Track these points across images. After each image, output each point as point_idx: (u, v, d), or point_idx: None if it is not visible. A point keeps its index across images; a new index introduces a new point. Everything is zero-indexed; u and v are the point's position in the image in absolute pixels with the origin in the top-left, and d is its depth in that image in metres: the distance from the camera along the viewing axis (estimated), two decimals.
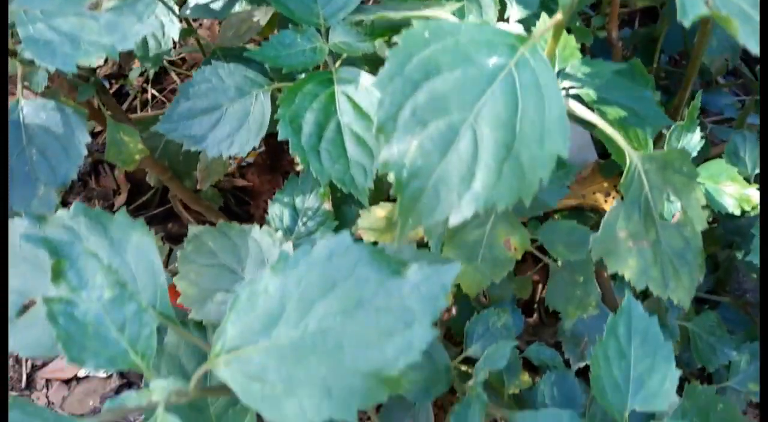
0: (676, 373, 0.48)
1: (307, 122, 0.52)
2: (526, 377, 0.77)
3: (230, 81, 0.61)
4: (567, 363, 0.87)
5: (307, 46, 0.56)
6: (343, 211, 0.67)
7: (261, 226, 1.19)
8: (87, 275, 0.33)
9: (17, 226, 0.41)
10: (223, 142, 0.61)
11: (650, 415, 0.48)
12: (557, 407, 0.69)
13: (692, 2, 0.32)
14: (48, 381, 1.08)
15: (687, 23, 0.32)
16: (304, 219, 0.66)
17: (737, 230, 0.98)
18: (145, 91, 1.18)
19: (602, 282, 0.82)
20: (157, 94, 1.18)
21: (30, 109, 0.51)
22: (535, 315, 1.17)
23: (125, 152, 0.66)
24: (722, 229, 1.00)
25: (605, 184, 1.08)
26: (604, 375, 0.46)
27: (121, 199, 1.07)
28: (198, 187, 0.96)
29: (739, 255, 0.98)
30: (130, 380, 1.07)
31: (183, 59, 1.21)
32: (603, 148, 0.96)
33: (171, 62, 1.18)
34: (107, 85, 1.19)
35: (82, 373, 1.09)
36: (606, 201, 1.07)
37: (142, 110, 1.14)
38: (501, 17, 0.63)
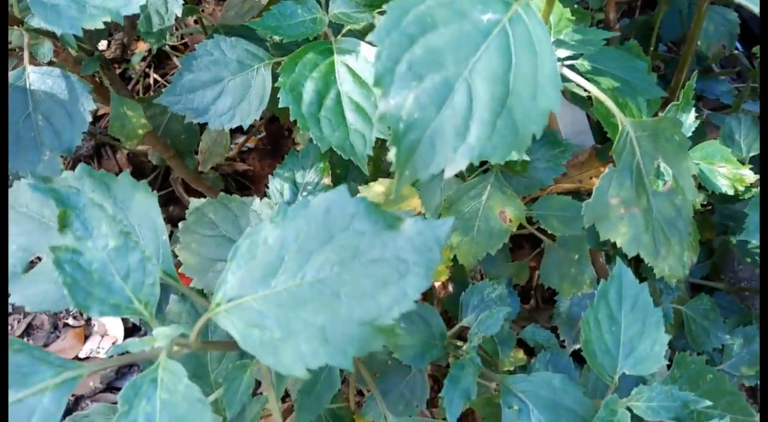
0: (665, 338, 0.49)
1: (307, 91, 0.53)
2: (521, 354, 0.78)
3: (232, 54, 0.62)
4: (562, 345, 0.88)
5: (308, 16, 0.57)
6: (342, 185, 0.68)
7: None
8: (92, 225, 0.34)
9: (23, 186, 0.42)
10: (225, 114, 0.62)
11: (640, 379, 0.49)
12: None
13: None
14: None
15: None
16: (304, 194, 0.67)
17: (732, 215, 0.99)
18: (147, 75, 1.19)
19: (597, 264, 0.83)
20: (159, 78, 1.19)
21: (36, 76, 0.51)
22: (532, 301, 1.18)
23: (128, 127, 0.66)
24: (718, 216, 1.01)
25: (602, 169, 1.09)
26: (594, 338, 0.47)
27: None
28: (199, 169, 0.97)
29: (734, 240, 0.99)
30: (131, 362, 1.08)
31: (185, 44, 1.21)
32: (600, 133, 0.97)
33: (173, 47, 1.19)
34: None
35: (83, 354, 1.10)
36: None
37: (144, 94, 1.15)
38: None
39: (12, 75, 0.51)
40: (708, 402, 0.45)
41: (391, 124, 0.34)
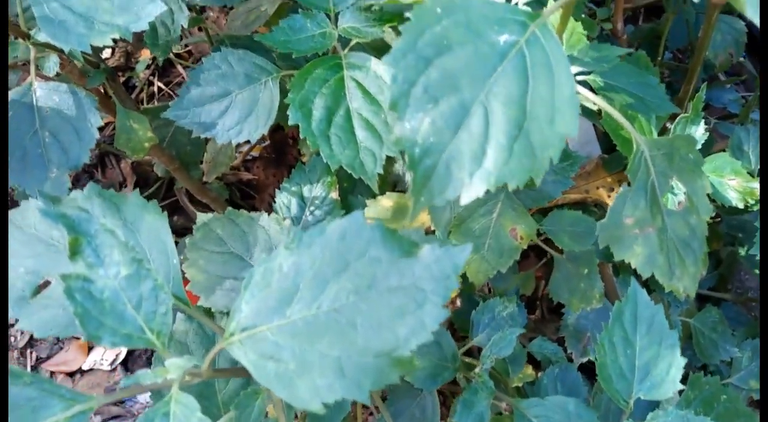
0: (681, 361, 0.48)
1: (317, 107, 0.52)
2: (529, 370, 0.77)
3: (240, 68, 0.61)
4: (569, 358, 0.87)
5: (317, 30, 0.56)
6: (350, 200, 0.68)
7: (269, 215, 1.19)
8: (104, 252, 0.33)
9: (31, 207, 0.41)
10: (232, 129, 0.61)
11: (654, 403, 0.48)
12: None
13: None
14: (52, 373, 1.09)
15: None
16: (312, 209, 0.66)
17: (740, 226, 0.99)
18: (151, 83, 1.18)
19: (605, 277, 0.83)
20: (163, 86, 1.18)
21: (43, 91, 0.51)
22: (538, 311, 1.18)
23: (134, 139, 0.66)
24: (725, 227, 1.00)
25: (609, 180, 1.08)
26: (609, 362, 0.47)
27: (127, 191, 1.08)
28: (204, 179, 0.96)
29: (742, 251, 0.98)
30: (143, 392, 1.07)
31: (189, 52, 1.21)
32: (607, 143, 0.96)
33: (177, 55, 1.18)
34: None
35: (86, 366, 1.09)
36: (609, 196, 1.07)
37: (148, 103, 1.14)
38: None
39: (18, 91, 0.51)
40: None
41: (406, 149, 0.33)
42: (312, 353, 0.32)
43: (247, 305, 0.33)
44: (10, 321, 0.92)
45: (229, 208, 0.61)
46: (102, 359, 1.07)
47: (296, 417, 0.55)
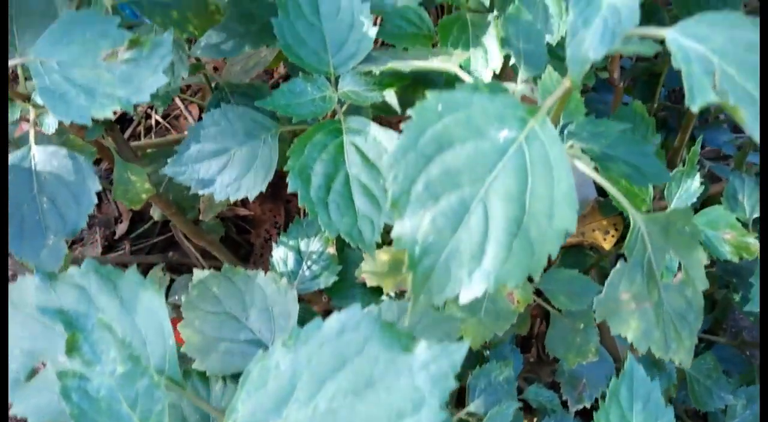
0: None
1: (316, 173, 0.53)
2: None
3: (239, 124, 0.62)
4: (564, 404, 0.87)
5: (317, 94, 0.56)
6: (346, 254, 0.68)
7: (261, 255, 1.18)
8: (101, 348, 0.33)
9: (28, 285, 0.41)
10: (231, 185, 0.61)
11: None
12: None
13: (700, 88, 0.33)
14: None
15: (695, 109, 0.32)
16: (309, 263, 0.66)
17: (734, 271, 0.99)
18: (148, 116, 1.19)
19: (603, 327, 0.83)
20: (161, 119, 1.19)
21: (42, 156, 0.51)
22: (533, 350, 1.17)
23: (132, 191, 0.66)
24: (719, 270, 1.01)
25: (604, 222, 1.08)
26: None
27: (122, 226, 1.08)
28: (200, 218, 0.96)
29: (736, 297, 0.99)
30: None
31: (188, 85, 1.21)
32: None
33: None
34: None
35: None
36: (605, 239, 1.08)
37: (145, 136, 1.14)
38: (506, 63, 0.64)
39: (17, 155, 0.51)
40: None
41: (406, 248, 0.34)
42: None
43: (243, 405, 0.33)
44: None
45: (226, 265, 0.61)
46: None
47: None
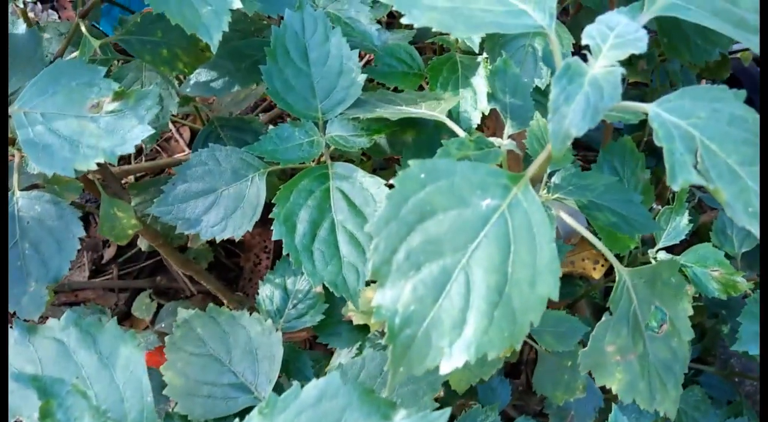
0: None
1: (302, 220, 0.52)
2: None
3: (227, 164, 0.61)
4: None
5: (305, 139, 0.56)
6: (333, 293, 0.67)
7: (250, 280, 1.17)
8: (74, 415, 0.33)
9: (7, 339, 0.40)
10: (217, 225, 0.61)
11: None
12: None
13: (682, 167, 0.33)
14: None
15: (676, 188, 0.32)
16: (295, 302, 0.66)
17: (723, 303, 0.99)
18: None
19: None
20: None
21: (25, 201, 0.50)
22: (522, 376, 1.17)
23: (119, 228, 0.65)
24: (707, 301, 1.01)
25: (594, 252, 1.09)
26: None
27: (110, 251, 1.07)
28: (189, 245, 0.96)
29: (725, 328, 0.99)
30: None
31: None
32: None
33: None
34: None
35: None
36: (595, 268, 1.08)
37: (135, 159, 1.14)
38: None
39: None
40: None
41: (386, 319, 0.33)
42: None
43: None
44: None
45: (211, 305, 0.61)
46: None
47: None
